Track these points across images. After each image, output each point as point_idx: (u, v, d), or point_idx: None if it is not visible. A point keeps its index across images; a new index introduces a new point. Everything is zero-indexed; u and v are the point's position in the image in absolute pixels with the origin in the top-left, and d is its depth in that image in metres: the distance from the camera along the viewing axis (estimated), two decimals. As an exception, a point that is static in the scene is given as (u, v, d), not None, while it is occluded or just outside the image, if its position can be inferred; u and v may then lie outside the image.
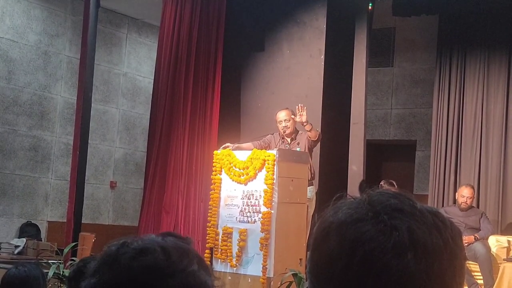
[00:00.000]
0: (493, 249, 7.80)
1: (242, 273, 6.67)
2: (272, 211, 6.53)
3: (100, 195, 11.32)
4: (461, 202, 8.00)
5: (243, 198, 6.75)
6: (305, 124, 7.20)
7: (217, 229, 6.89)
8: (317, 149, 7.70)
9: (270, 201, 6.53)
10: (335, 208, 1.03)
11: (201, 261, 1.05)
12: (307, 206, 7.01)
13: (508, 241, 7.91)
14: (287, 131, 7.40)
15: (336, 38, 8.58)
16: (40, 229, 10.44)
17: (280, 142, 7.45)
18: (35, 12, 10.47)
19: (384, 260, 0.95)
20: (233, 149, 7.00)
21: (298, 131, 7.52)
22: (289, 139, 7.46)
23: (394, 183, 8.26)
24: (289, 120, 7.39)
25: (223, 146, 7.11)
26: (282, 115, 7.46)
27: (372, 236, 0.97)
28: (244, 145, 7.29)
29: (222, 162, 6.94)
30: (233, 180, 6.84)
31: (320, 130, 7.54)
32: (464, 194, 8.03)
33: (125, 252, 1.00)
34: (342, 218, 1.00)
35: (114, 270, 0.99)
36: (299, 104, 7.23)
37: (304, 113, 7.18)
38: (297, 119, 7.24)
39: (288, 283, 5.92)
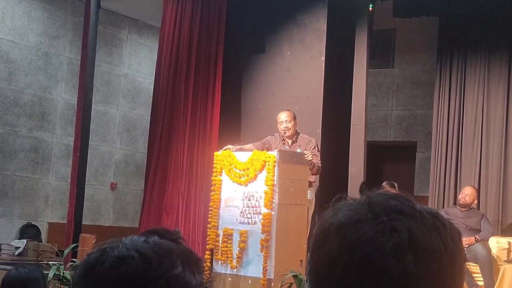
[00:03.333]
0: (494, 251, 7.80)
1: (242, 274, 6.66)
2: (273, 213, 6.52)
3: (100, 196, 11.32)
4: (460, 198, 8.12)
5: (244, 200, 6.74)
6: (310, 166, 7.12)
7: (218, 230, 6.89)
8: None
9: (271, 203, 6.52)
10: (334, 209, 1.03)
11: (186, 258, 1.02)
12: (308, 207, 7.01)
13: (509, 243, 7.91)
14: (288, 133, 7.39)
15: (337, 39, 8.57)
16: (41, 230, 10.44)
17: (281, 144, 7.43)
18: (35, 13, 10.48)
19: (384, 261, 0.95)
20: (234, 151, 6.99)
21: (299, 133, 7.51)
22: (289, 141, 7.45)
23: (396, 185, 8.27)
24: (290, 121, 7.39)
25: (224, 148, 7.09)
26: (283, 116, 7.45)
27: (371, 237, 0.97)
28: (245, 146, 7.28)
29: (223, 163, 6.93)
30: (233, 181, 6.84)
31: (321, 133, 7.51)
32: (465, 192, 8.16)
33: (103, 261, 0.99)
34: (342, 219, 1.00)
35: (93, 281, 0.98)
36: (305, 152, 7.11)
37: (308, 153, 7.11)
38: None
39: (289, 284, 5.92)
